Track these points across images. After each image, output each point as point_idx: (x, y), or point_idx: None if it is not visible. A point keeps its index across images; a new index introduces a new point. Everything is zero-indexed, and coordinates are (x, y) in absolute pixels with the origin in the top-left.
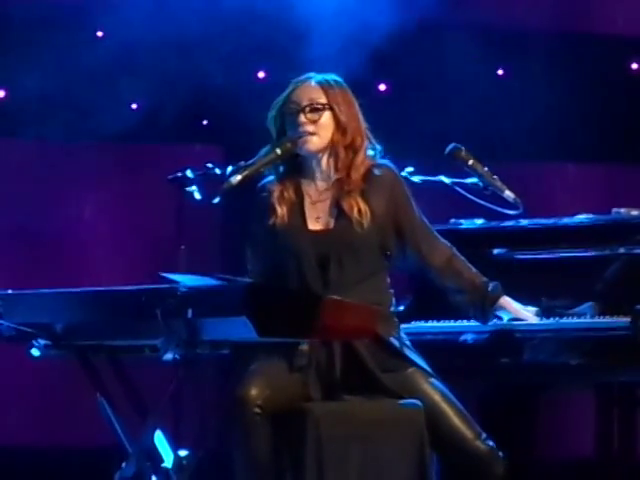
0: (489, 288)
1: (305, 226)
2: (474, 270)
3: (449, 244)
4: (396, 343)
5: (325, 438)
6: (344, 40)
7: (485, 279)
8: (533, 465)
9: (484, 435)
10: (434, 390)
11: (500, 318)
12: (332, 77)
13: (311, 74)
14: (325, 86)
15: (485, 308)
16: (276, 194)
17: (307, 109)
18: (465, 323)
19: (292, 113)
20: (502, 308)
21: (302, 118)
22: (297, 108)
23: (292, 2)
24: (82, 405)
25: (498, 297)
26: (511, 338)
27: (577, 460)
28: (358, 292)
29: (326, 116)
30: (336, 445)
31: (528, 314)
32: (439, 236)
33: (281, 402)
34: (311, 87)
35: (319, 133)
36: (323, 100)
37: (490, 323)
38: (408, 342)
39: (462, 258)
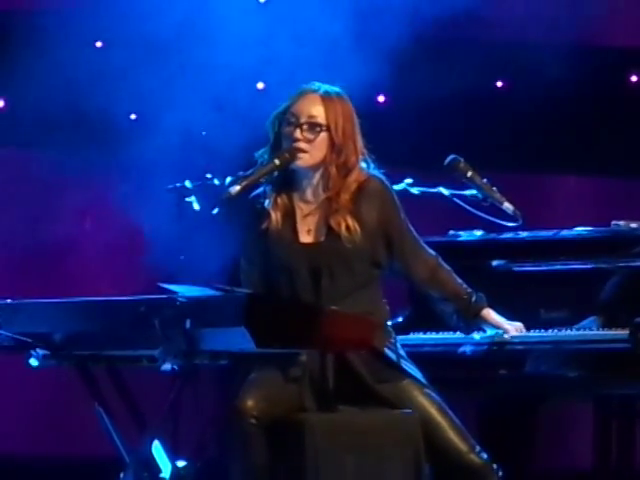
0: (472, 299)
1: (296, 238)
2: (459, 280)
3: (435, 254)
4: (390, 354)
5: (321, 448)
6: (343, 51)
7: (469, 290)
8: (532, 477)
9: (478, 448)
10: (429, 402)
11: (484, 330)
12: (336, 90)
13: (316, 85)
14: (327, 102)
15: (468, 319)
16: (270, 201)
17: (304, 126)
18: (470, 335)
19: (290, 124)
20: (484, 320)
21: (298, 134)
22: (295, 122)
23: (295, 15)
24: (80, 415)
25: (481, 308)
26: (510, 350)
27: (576, 472)
28: (350, 303)
29: (322, 137)
30: (332, 455)
31: (510, 327)
32: (425, 246)
33: (277, 413)
34: (314, 102)
35: (311, 152)
36: (322, 120)
37: (482, 336)
38: (403, 352)
39: (447, 268)
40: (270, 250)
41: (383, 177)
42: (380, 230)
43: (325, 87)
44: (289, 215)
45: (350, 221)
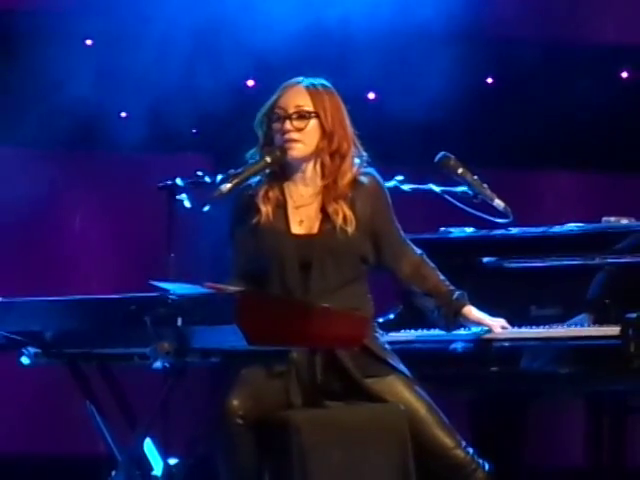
0: (454, 296)
1: (288, 230)
2: (442, 277)
3: (419, 251)
4: (376, 348)
5: (307, 445)
6: (333, 49)
7: (452, 287)
8: (523, 474)
9: (464, 443)
10: (414, 397)
11: (468, 328)
12: (320, 81)
13: (300, 78)
14: (313, 92)
15: (448, 315)
16: (261, 194)
17: (294, 116)
18: (455, 332)
19: (279, 119)
20: (465, 317)
21: (288, 125)
22: (284, 114)
23: (280, 10)
24: (72, 413)
25: (462, 306)
26: (501, 347)
27: (567, 469)
28: (339, 297)
29: (312, 124)
30: (318, 452)
31: (492, 323)
32: (410, 243)
33: (264, 411)
34: (299, 92)
35: (304, 141)
36: (310, 108)
37: (467, 333)
38: (388, 347)
39: (431, 265)
40: (261, 242)
41: (377, 174)
42: (370, 226)
43: (309, 79)
44: (280, 206)
45: (347, 211)
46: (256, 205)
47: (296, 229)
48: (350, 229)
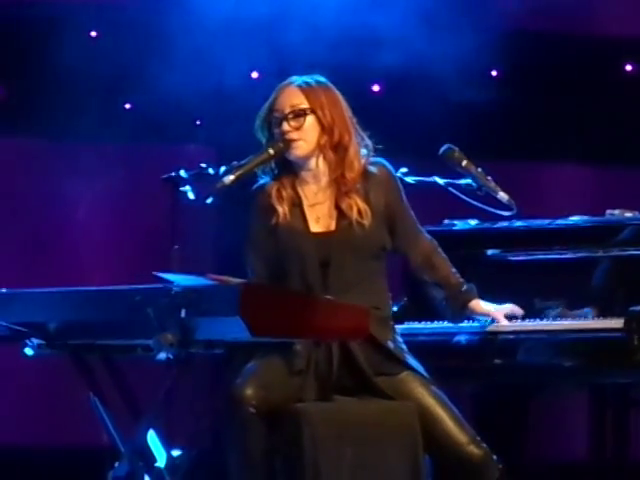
0: (463, 288)
1: (307, 228)
2: (453, 270)
3: (434, 241)
4: (392, 346)
5: (319, 438)
6: (336, 42)
7: (461, 279)
8: (526, 467)
9: (478, 439)
10: (428, 394)
11: (473, 320)
12: (314, 78)
13: (293, 78)
14: (306, 89)
15: (455, 307)
16: (274, 194)
17: (290, 116)
18: (458, 324)
19: (276, 122)
20: (472, 311)
21: (285, 126)
22: (280, 116)
23: (284, 2)
24: (75, 404)
25: (470, 299)
26: (504, 339)
27: (570, 462)
28: (357, 294)
29: (309, 121)
30: (330, 446)
31: (499, 314)
32: (424, 231)
33: (276, 402)
34: (292, 92)
35: (304, 138)
36: (305, 105)
37: (473, 325)
38: (404, 346)
39: (443, 255)
40: (281, 240)
41: (387, 163)
42: (385, 215)
43: (303, 78)
44: (296, 205)
45: (361, 204)
46: (272, 206)
47: (314, 227)
48: (367, 222)
